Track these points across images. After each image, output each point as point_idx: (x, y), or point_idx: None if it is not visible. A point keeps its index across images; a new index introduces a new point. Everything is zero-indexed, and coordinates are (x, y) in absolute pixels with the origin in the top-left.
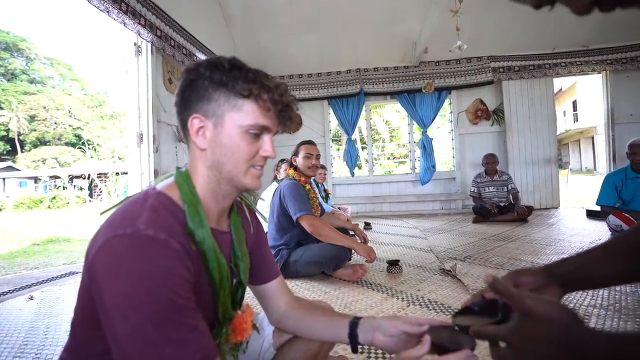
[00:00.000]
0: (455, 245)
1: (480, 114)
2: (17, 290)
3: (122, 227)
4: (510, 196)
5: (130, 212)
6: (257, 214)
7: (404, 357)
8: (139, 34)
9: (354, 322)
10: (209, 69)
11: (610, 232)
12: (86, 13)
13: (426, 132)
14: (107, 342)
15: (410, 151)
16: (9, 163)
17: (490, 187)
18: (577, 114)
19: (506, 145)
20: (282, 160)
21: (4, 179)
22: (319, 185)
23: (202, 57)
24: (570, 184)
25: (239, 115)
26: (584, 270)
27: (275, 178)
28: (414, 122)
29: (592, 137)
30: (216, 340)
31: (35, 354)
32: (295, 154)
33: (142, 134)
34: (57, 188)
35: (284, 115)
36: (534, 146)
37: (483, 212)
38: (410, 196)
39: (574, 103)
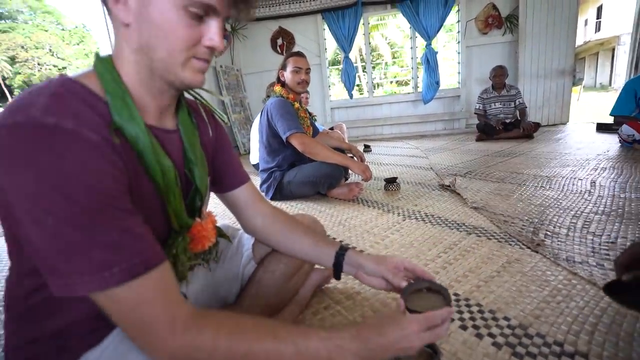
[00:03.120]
0: (456, 163)
1: (491, 21)
2: None
3: (12, 116)
4: (518, 112)
5: (24, 100)
6: (216, 115)
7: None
8: None
9: (341, 254)
10: None
11: (620, 144)
12: None
13: (430, 44)
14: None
15: (412, 68)
16: (1, 110)
17: (496, 103)
18: (600, 22)
19: (517, 56)
20: None
21: None
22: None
23: None
24: (581, 102)
25: None
26: None
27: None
28: (417, 35)
29: (613, 49)
30: (173, 250)
31: None
32: (283, 67)
33: None
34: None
35: None
36: (548, 56)
37: (487, 130)
38: (412, 117)
39: (599, 9)
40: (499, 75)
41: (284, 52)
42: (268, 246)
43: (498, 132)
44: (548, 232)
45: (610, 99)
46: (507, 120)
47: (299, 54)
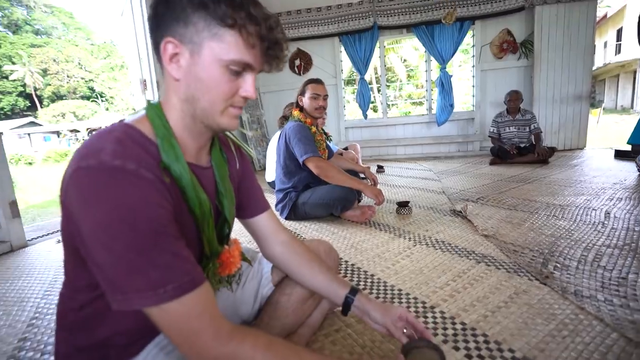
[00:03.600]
0: (468, 187)
1: (506, 46)
2: (48, 235)
3: (85, 160)
4: (532, 136)
5: (94, 145)
6: (242, 149)
7: None
8: None
9: (350, 297)
10: None
11: (638, 173)
12: None
13: (445, 68)
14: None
15: (427, 90)
16: (31, 119)
17: (511, 127)
18: (620, 44)
19: (533, 80)
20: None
21: (29, 134)
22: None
23: None
24: (600, 124)
25: (220, 46)
26: None
27: (285, 118)
28: (431, 58)
29: (635, 72)
30: (204, 274)
31: None
32: (302, 93)
33: (145, 81)
34: (78, 141)
35: (271, 54)
36: (564, 81)
37: (501, 154)
38: (426, 138)
39: (619, 32)
40: (514, 100)
41: (302, 72)
42: (284, 273)
43: (512, 156)
44: (558, 264)
45: (630, 122)
46: (522, 145)
47: (318, 81)
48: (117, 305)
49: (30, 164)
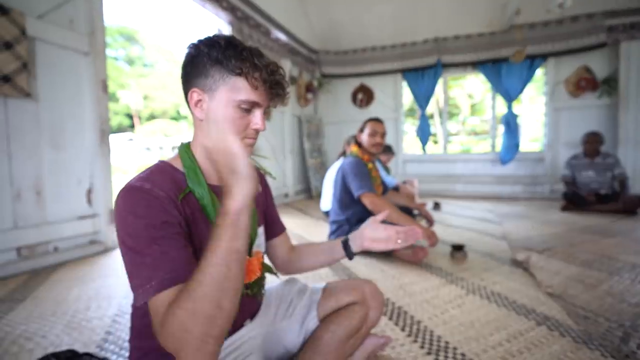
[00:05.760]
0: (534, 235)
1: (584, 84)
2: None
3: (124, 185)
4: (616, 183)
5: (135, 176)
6: (262, 171)
7: None
8: (217, 15)
9: (346, 239)
10: (208, 46)
11: None
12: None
13: (511, 106)
14: None
15: (491, 127)
16: (130, 135)
17: (588, 171)
18: None
19: (618, 121)
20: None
21: (127, 148)
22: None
23: (279, 35)
24: None
25: (232, 90)
26: None
27: (344, 153)
28: (497, 94)
29: None
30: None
31: None
32: (361, 130)
33: None
34: (163, 157)
35: (274, 92)
36: None
37: (576, 200)
38: (488, 177)
39: None
40: (592, 142)
41: (363, 105)
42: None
43: (590, 203)
44: None
45: None
46: (602, 192)
47: (377, 120)
48: (134, 300)
49: (124, 173)
